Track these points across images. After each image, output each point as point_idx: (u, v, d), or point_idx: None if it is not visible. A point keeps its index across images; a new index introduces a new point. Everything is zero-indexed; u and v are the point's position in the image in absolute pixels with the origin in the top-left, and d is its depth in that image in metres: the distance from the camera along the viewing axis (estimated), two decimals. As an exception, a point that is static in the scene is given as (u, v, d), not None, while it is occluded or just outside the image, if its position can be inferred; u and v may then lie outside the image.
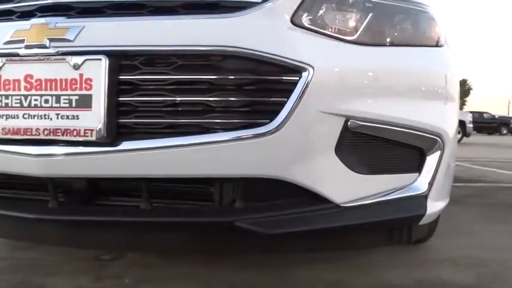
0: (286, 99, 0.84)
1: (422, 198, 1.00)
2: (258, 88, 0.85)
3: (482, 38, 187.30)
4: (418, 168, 1.01)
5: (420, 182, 1.01)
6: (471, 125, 13.05)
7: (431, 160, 1.02)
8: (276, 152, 0.85)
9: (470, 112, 18.75)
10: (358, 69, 0.93)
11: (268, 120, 0.84)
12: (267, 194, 0.90)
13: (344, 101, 0.89)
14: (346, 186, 0.92)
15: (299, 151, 0.87)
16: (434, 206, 1.03)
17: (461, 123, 12.81)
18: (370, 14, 0.98)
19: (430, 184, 1.01)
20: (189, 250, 1.09)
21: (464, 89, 74.32)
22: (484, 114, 24.76)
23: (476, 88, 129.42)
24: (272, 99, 0.85)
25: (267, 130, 0.84)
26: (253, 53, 0.84)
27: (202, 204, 0.92)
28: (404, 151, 0.99)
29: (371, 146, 0.95)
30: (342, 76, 0.90)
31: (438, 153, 1.02)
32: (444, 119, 1.05)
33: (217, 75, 0.85)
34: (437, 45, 1.10)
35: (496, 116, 25.92)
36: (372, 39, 0.98)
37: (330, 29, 0.95)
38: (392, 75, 0.98)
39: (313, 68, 0.86)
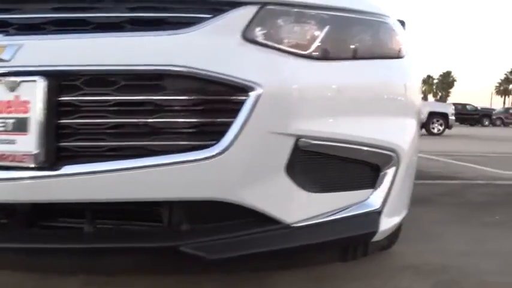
0: (233, 119, 0.83)
1: (376, 215, 1.00)
2: (205, 109, 0.84)
3: (468, 28, 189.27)
4: (372, 184, 1.00)
5: (374, 198, 1.00)
6: (453, 117, 13.25)
7: (386, 176, 1.01)
8: (223, 174, 0.84)
9: (454, 104, 19.07)
10: (312, 86, 0.92)
11: (215, 142, 0.83)
12: (217, 216, 0.89)
13: (295, 120, 0.88)
14: (297, 206, 0.91)
15: (247, 172, 0.86)
16: (389, 222, 1.04)
17: (444, 116, 13.04)
18: (327, 27, 0.97)
19: (385, 200, 1.01)
20: (137, 271, 1.08)
21: (449, 81, 75.27)
22: (467, 106, 25.16)
23: (461, 79, 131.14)
24: (219, 120, 0.84)
25: (214, 153, 0.82)
26: (200, 72, 0.82)
27: (151, 225, 0.91)
28: (358, 168, 0.98)
29: (323, 164, 0.94)
30: (293, 94, 0.89)
31: (393, 168, 1.02)
32: (400, 133, 1.04)
33: (162, 96, 0.83)
34: (397, 57, 1.10)
35: (479, 108, 26.38)
36: (328, 54, 0.97)
37: (284, 44, 0.93)
38: (348, 91, 0.97)
39: (261, 86, 0.84)
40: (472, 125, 23.86)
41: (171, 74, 0.83)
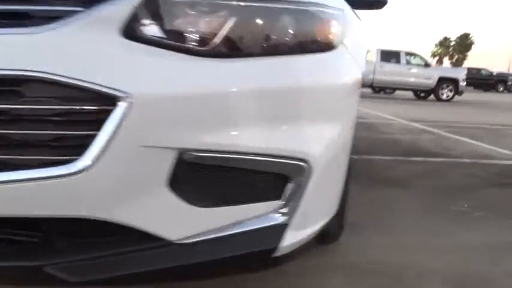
0: (97, 132, 0.74)
1: (281, 228, 0.92)
2: (67, 120, 0.74)
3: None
4: (277, 196, 0.91)
5: (279, 211, 0.92)
6: (464, 83, 12.84)
7: (294, 187, 0.92)
8: (90, 191, 0.76)
9: (468, 69, 18.42)
10: (203, 91, 0.81)
11: (78, 157, 0.74)
12: (89, 233, 0.82)
13: (177, 131, 0.78)
14: (183, 222, 0.83)
15: (119, 188, 0.77)
16: (298, 235, 0.95)
17: (454, 81, 12.66)
18: (231, 19, 0.85)
19: (291, 212, 0.93)
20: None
21: (466, 43, 72.48)
22: (482, 71, 24.38)
23: (480, 42, 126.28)
24: (82, 132, 0.74)
25: (77, 168, 0.74)
26: (60, 79, 0.72)
27: (27, 239, 0.84)
28: (261, 179, 0.89)
29: (216, 177, 0.85)
30: (176, 102, 0.78)
31: (302, 179, 0.92)
32: (315, 140, 0.94)
33: (17, 105, 0.73)
34: (325, 50, 0.98)
35: (494, 73, 25.51)
36: (230, 51, 0.86)
37: (175, 40, 0.82)
38: (248, 95, 0.85)
39: (132, 96, 0.74)
40: (486, 90, 23.19)
41: (29, 79, 0.73)
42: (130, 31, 0.79)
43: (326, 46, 0.98)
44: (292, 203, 0.92)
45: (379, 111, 7.55)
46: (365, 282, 1.28)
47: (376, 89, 14.05)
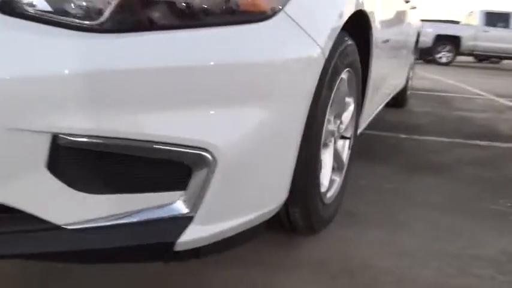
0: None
1: (182, 221, 0.85)
2: None
3: None
4: (182, 187, 0.84)
5: (178, 203, 0.85)
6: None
7: (198, 178, 0.84)
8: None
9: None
10: (86, 71, 0.74)
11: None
12: None
13: (49, 115, 0.74)
14: (70, 207, 0.80)
15: (-4, 169, 0.77)
16: (206, 230, 0.87)
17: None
18: None
19: (196, 205, 0.85)
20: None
21: None
22: None
23: None
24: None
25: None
26: None
27: None
28: (160, 167, 0.82)
29: (105, 162, 0.80)
30: (46, 84, 0.72)
31: (207, 170, 0.83)
32: (223, 128, 0.83)
33: None
34: (253, 20, 0.86)
35: None
36: (123, 25, 0.78)
37: (58, 15, 0.76)
38: (142, 75, 0.77)
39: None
40: None
41: None
42: (8, 5, 0.75)
43: (252, 16, 0.85)
44: (197, 195, 0.85)
45: (468, 83, 6.74)
46: (331, 282, 1.16)
47: (479, 58, 12.54)
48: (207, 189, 0.84)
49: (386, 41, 1.96)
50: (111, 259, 0.89)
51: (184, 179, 0.84)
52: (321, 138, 1.17)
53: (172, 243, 0.84)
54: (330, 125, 1.32)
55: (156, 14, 0.79)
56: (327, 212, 1.39)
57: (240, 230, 0.96)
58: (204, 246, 0.92)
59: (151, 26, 0.79)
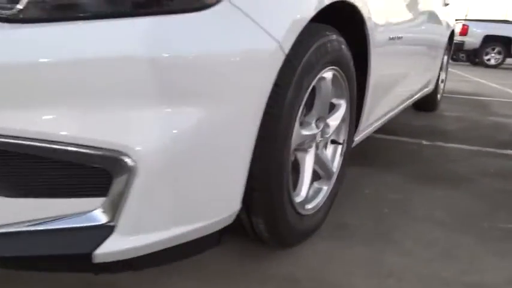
0: None
1: (105, 230, 0.77)
2: None
3: None
4: (102, 193, 0.76)
5: (100, 211, 0.77)
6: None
7: (118, 184, 0.76)
8: None
9: None
10: None
11: None
12: None
13: None
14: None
15: None
16: (131, 241, 0.78)
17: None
18: None
19: (116, 214, 0.77)
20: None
21: None
22: None
23: None
24: None
25: None
26: None
27: None
28: (71, 171, 0.74)
29: (8, 164, 0.73)
30: None
31: (126, 176, 0.75)
32: (142, 130, 0.74)
33: None
34: (193, 9, 0.77)
35: None
36: (43, 13, 0.71)
37: None
38: (50, 70, 0.70)
39: None
40: None
41: None
42: None
43: (189, 4, 0.76)
44: (117, 203, 0.76)
45: (514, 87, 6.26)
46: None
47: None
48: (128, 197, 0.76)
49: (396, 38, 1.80)
50: (30, 267, 0.83)
51: (105, 185, 0.76)
52: (289, 143, 1.05)
53: (89, 255, 0.76)
54: (306, 129, 1.19)
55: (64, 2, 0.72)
56: (306, 224, 1.26)
57: (180, 241, 0.87)
58: (139, 258, 0.84)
59: (51, 16, 0.72)
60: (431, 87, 3.41)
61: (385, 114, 2.05)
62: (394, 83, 2.01)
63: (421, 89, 2.97)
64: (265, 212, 1.06)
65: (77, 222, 0.77)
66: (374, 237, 1.38)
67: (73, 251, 0.76)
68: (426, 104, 3.73)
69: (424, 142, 2.73)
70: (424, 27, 2.49)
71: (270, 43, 0.88)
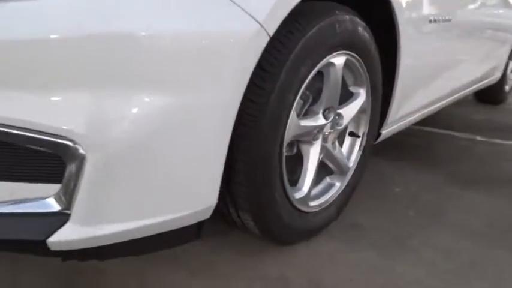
0: None
1: (57, 218, 0.74)
2: None
3: None
4: (51, 179, 0.73)
5: (53, 198, 0.74)
6: None
7: (70, 171, 0.72)
8: None
9: None
10: None
11: None
12: None
13: None
14: None
15: None
16: (88, 231, 0.75)
17: None
18: None
19: (70, 202, 0.73)
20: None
21: None
22: None
23: None
24: None
25: None
26: None
27: None
28: (28, 155, 0.72)
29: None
30: None
31: (76, 162, 0.71)
32: (94, 116, 0.69)
33: None
34: None
35: None
36: None
37: None
38: None
39: None
40: None
41: None
42: None
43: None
44: (70, 191, 0.73)
45: None
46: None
47: None
48: (80, 185, 0.72)
49: (440, 20, 1.59)
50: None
51: (59, 172, 0.73)
52: (278, 134, 0.96)
53: (43, 242, 0.74)
54: (310, 119, 1.08)
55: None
56: (308, 221, 1.17)
57: (147, 233, 0.83)
58: (108, 247, 0.81)
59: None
60: (496, 76, 3.05)
61: (425, 106, 1.84)
62: (438, 72, 1.80)
63: (480, 79, 2.66)
64: (252, 208, 0.98)
65: (33, 208, 0.75)
66: (388, 242, 1.25)
67: (26, 236, 0.74)
68: (490, 95, 3.35)
69: (478, 138, 2.46)
70: (485, 10, 2.20)
71: (248, 23, 0.78)
